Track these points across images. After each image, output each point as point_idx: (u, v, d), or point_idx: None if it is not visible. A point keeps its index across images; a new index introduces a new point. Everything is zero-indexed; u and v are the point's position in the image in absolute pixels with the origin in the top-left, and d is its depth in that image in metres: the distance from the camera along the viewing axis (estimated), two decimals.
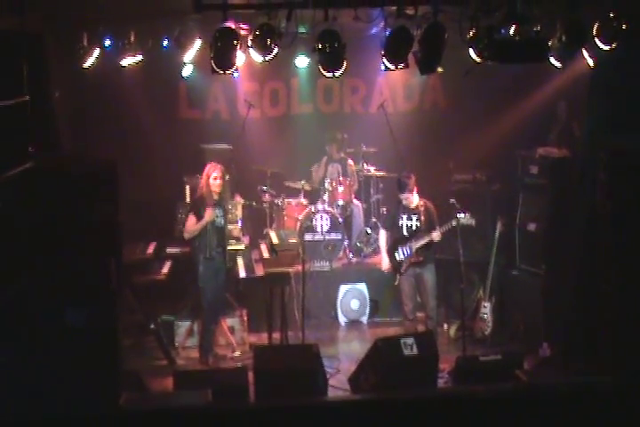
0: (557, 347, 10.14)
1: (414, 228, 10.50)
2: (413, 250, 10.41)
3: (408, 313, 10.59)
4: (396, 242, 10.60)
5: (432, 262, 10.63)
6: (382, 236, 10.93)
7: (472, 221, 10.35)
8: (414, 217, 10.49)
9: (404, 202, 10.51)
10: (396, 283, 10.64)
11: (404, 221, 10.54)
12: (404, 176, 10.52)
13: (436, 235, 10.30)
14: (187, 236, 10.50)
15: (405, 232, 10.55)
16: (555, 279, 10.47)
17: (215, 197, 10.42)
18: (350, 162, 13.36)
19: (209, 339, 10.66)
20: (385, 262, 10.80)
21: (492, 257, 11.19)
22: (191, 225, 10.40)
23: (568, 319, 9.98)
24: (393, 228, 10.71)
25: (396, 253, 10.56)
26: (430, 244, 10.43)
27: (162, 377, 9.73)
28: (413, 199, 10.46)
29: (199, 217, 10.34)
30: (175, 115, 13.66)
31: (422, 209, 10.48)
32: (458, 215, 10.22)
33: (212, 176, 10.35)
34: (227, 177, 10.75)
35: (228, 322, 11.24)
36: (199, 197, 10.55)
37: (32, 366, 6.95)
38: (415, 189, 10.46)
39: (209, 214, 10.27)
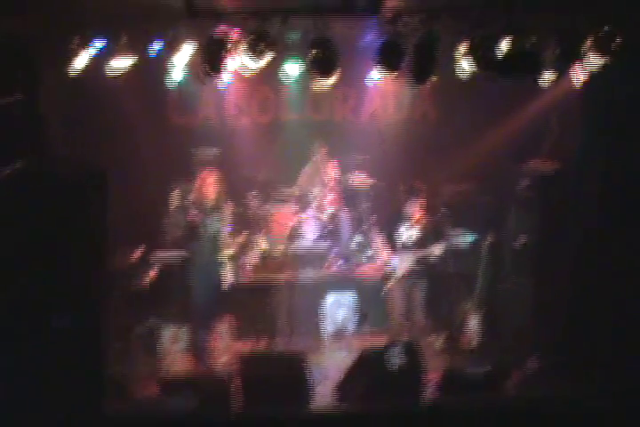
0: (546, 360, 10.11)
1: (414, 238, 10.42)
2: (411, 261, 10.33)
3: (395, 324, 10.51)
4: (392, 250, 10.49)
5: (424, 276, 10.54)
6: (379, 243, 10.72)
7: (472, 238, 10.33)
8: (415, 228, 10.41)
9: (410, 210, 10.39)
10: (383, 292, 10.54)
11: (403, 231, 10.46)
12: (417, 183, 10.40)
13: (437, 249, 10.22)
14: (184, 243, 10.42)
15: (404, 242, 10.46)
16: (544, 293, 10.45)
17: (210, 202, 10.38)
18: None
19: (199, 345, 10.58)
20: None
21: (482, 269, 11.17)
22: (187, 233, 10.37)
23: (557, 333, 9.97)
24: (390, 236, 10.59)
25: (391, 262, 10.45)
26: (428, 257, 10.35)
27: (147, 383, 9.67)
28: (418, 208, 10.36)
29: (194, 225, 10.31)
30: (165, 119, 13.61)
31: (423, 221, 10.40)
32: (462, 234, 10.22)
33: (207, 182, 10.33)
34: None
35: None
36: (193, 203, 10.50)
37: (16, 372, 6.89)
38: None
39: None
